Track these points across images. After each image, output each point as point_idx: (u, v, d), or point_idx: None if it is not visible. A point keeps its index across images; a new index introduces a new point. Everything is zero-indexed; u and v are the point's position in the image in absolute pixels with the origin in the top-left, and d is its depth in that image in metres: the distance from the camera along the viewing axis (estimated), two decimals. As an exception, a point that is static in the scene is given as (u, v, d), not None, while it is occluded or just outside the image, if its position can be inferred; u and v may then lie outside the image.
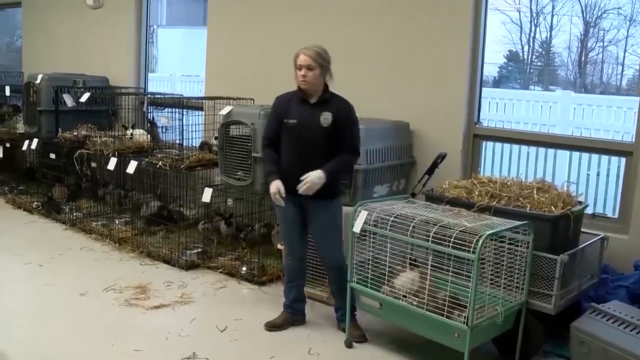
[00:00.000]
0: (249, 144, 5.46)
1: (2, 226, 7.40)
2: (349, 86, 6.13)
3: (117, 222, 7.15)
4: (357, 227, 4.16)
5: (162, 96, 7.15)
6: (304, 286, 4.86)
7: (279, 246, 5.41)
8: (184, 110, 6.22)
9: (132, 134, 7.00)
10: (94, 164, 6.83)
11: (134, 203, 7.62)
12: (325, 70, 4.35)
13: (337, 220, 4.51)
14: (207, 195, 5.77)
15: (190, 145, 6.65)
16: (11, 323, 4.66)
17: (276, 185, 4.36)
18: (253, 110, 5.61)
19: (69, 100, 7.37)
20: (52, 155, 7.48)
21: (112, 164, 6.45)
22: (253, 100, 6.47)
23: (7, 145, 8.51)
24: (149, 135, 6.99)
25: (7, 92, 8.72)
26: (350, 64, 6.06)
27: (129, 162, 6.31)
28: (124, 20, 8.48)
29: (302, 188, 4.24)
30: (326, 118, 4.33)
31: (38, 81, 7.84)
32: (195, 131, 6.74)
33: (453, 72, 5.46)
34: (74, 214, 7.45)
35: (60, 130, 7.52)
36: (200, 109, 7.09)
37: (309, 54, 4.29)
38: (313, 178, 4.23)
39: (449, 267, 3.90)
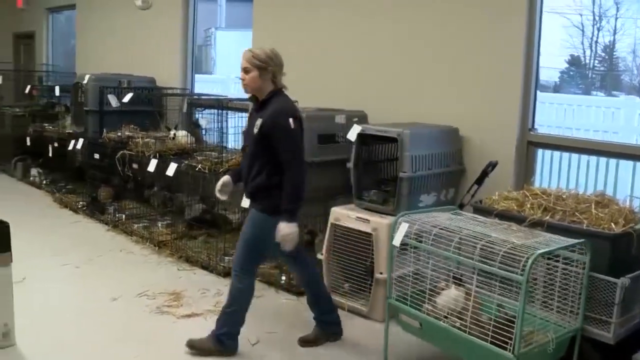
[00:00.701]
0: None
1: (46, 225, 7.38)
2: (397, 88, 5.92)
3: (159, 224, 7.03)
4: (396, 241, 3.88)
5: (202, 97, 7.00)
6: (324, 296, 4.47)
7: (319, 256, 5.17)
8: (227, 112, 6.06)
9: (174, 135, 6.86)
10: (135, 165, 6.71)
11: (177, 205, 7.52)
12: (266, 72, 3.94)
13: (252, 231, 4.09)
14: (246, 200, 5.56)
15: (233, 148, 6.49)
16: (38, 324, 4.55)
17: (221, 179, 4.32)
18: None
19: (113, 101, 7.28)
20: (96, 156, 7.41)
21: (152, 165, 6.32)
22: (297, 102, 6.23)
23: (56, 144, 8.51)
24: (191, 137, 6.85)
25: (57, 92, 8.72)
26: (399, 66, 5.80)
27: (169, 164, 6.16)
28: (172, 21, 8.39)
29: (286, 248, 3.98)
30: (257, 125, 3.95)
31: (85, 81, 7.81)
32: (239, 133, 6.58)
33: (506, 75, 5.12)
34: (117, 215, 7.37)
35: (105, 130, 7.45)
36: (246, 110, 6.92)
37: (244, 56, 4.00)
38: (283, 234, 3.91)
39: (496, 286, 3.59)
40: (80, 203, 7.95)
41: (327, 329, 4.48)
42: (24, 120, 10.06)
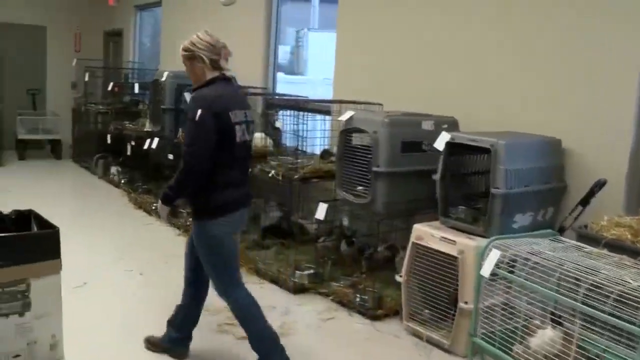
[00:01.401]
0: (370, 156, 4.77)
1: (117, 226, 7.19)
2: (492, 92, 5.30)
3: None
4: (485, 271, 3.33)
5: (280, 97, 6.60)
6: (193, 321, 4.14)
7: (398, 277, 4.66)
8: (307, 114, 5.65)
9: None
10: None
11: (254, 211, 7.15)
12: (195, 59, 3.61)
13: (201, 245, 3.73)
14: (321, 211, 5.12)
15: (312, 153, 6.08)
16: (90, 336, 4.24)
17: None
18: (376, 117, 4.91)
19: (188, 98, 6.97)
20: (170, 156, 7.14)
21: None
22: (382, 105, 5.76)
23: (133, 143, 8.34)
24: (268, 140, 6.47)
25: (136, 89, 8.55)
26: (494, 68, 5.20)
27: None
28: (255, 19, 8.04)
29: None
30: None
31: (163, 79, 7.57)
32: (321, 137, 6.16)
33: (619, 80, 4.43)
34: (190, 219, 7.06)
35: (180, 130, 7.17)
36: (327, 113, 6.49)
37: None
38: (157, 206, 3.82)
39: (604, 331, 3.00)
40: (154, 205, 7.73)
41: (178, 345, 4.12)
42: (108, 118, 10.01)
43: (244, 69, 8.11)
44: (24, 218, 4.01)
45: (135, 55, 11.95)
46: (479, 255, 3.59)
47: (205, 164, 3.45)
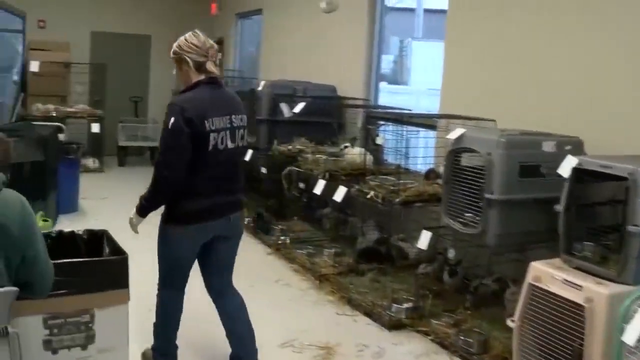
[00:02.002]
0: (482, 180, 4.19)
1: (206, 242, 6.88)
2: (624, 109, 4.57)
3: (325, 252, 6.22)
4: (630, 337, 2.69)
5: (381, 110, 6.10)
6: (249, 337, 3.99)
7: (509, 322, 4.04)
8: (411, 129, 5.13)
9: (343, 149, 6.02)
10: (302, 185, 5.96)
11: (351, 231, 6.67)
12: (182, 62, 3.46)
13: (159, 242, 3.72)
14: (424, 240, 4.57)
15: (416, 172, 5.54)
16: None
17: None
18: (490, 135, 4.32)
19: (285, 110, 6.61)
20: (263, 170, 6.77)
21: (319, 187, 5.53)
22: (495, 122, 5.15)
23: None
24: (368, 156, 5.97)
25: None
26: (624, 84, 4.48)
27: (337, 187, 5.33)
28: (358, 27, 7.57)
29: None
30: None
31: (260, 88, 7.22)
32: (425, 156, 5.62)
33: None
34: (282, 237, 6.66)
35: (275, 142, 6.80)
36: (433, 127, 5.93)
37: None
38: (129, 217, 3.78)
39: None
40: (247, 219, 7.39)
41: None
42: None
43: (345, 79, 7.69)
44: (97, 239, 3.71)
45: (236, 63, 11.75)
46: (612, 307, 2.96)
47: (179, 173, 3.35)
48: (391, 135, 5.03)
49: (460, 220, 4.40)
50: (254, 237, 6.98)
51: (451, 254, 4.70)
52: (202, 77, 3.46)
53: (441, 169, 5.22)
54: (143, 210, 3.61)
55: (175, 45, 3.48)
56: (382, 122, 5.49)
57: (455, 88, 5.97)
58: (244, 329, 3.88)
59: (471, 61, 5.79)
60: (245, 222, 7.22)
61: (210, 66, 3.46)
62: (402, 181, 4.89)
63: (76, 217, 7.49)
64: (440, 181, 4.95)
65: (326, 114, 7.12)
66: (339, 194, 5.21)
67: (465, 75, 5.84)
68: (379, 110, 6.33)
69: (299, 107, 6.08)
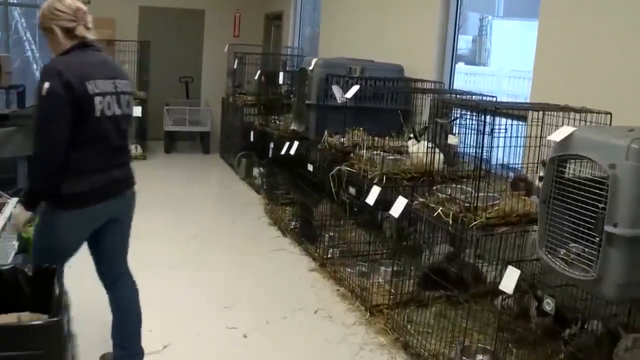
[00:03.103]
0: (600, 204, 2.84)
1: (239, 251, 5.76)
2: None
3: (381, 271, 5.00)
4: None
5: (458, 95, 4.77)
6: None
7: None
8: (493, 120, 3.80)
9: (409, 147, 4.74)
10: (352, 190, 4.72)
11: (416, 242, 5.39)
12: (50, 30, 3.04)
13: (41, 222, 3.10)
14: (510, 279, 3.26)
15: (500, 177, 4.22)
16: None
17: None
18: (614, 137, 2.95)
19: (337, 93, 5.37)
20: (310, 167, 5.56)
21: (372, 195, 4.27)
22: (610, 115, 3.77)
23: (272, 145, 6.87)
24: (439, 154, 4.67)
25: (281, 79, 7.05)
26: None
27: (396, 198, 4.06)
28: (431, 1, 6.23)
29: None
30: None
31: (311, 67, 5.99)
32: (513, 155, 4.29)
33: None
34: (331, 249, 5.46)
35: (326, 132, 5.58)
36: (522, 119, 4.57)
37: None
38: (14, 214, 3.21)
39: None
40: (293, 223, 6.22)
41: None
42: (255, 111, 8.67)
43: (414, 58, 6.39)
44: (47, 276, 2.65)
45: (295, 40, 10.55)
46: None
47: (60, 147, 2.86)
48: (470, 129, 3.71)
49: (564, 257, 3.08)
50: (297, 246, 5.82)
51: (548, 305, 3.37)
52: (74, 42, 3.05)
53: (536, 180, 3.90)
54: (28, 201, 2.97)
55: (39, 14, 3.10)
56: (457, 111, 4.15)
57: (550, 72, 4.58)
58: (133, 324, 3.41)
59: (573, 40, 4.39)
60: (292, 226, 6.10)
61: (81, 30, 3.05)
62: (481, 194, 3.56)
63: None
64: (535, 198, 3.63)
65: (390, 100, 5.85)
66: (397, 206, 3.94)
67: (565, 56, 4.44)
68: (454, 95, 4.99)
69: (352, 91, 4.82)
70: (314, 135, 5.95)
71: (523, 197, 3.77)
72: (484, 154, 3.67)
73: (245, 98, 8.97)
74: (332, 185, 4.94)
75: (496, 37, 14.67)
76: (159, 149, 10.47)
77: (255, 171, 8.22)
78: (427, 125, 4.95)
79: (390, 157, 4.63)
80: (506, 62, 12.79)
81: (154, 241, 5.80)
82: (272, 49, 11.34)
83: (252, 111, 8.84)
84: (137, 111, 9.58)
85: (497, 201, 3.53)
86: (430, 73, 6.11)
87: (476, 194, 3.47)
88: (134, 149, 9.64)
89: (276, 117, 7.61)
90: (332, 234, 5.75)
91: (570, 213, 3.03)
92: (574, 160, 3.10)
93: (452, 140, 3.73)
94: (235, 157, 9.06)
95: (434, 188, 3.82)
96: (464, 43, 10.13)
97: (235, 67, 9.26)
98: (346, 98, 4.94)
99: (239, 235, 6.18)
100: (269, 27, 11.83)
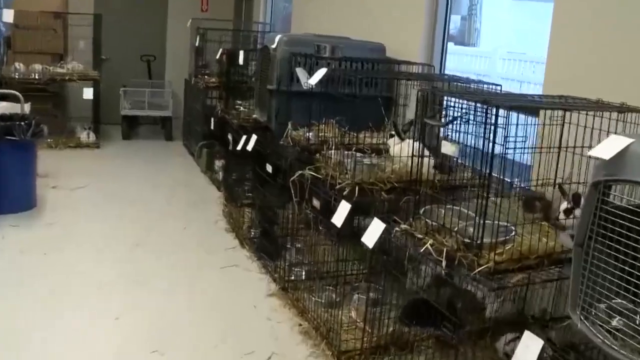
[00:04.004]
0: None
1: (193, 263, 4.79)
2: None
3: (355, 298, 4.04)
4: None
5: (452, 81, 3.75)
6: None
7: None
8: (498, 114, 2.81)
9: (390, 148, 3.75)
10: (316, 202, 3.72)
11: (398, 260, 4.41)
12: None
13: None
14: (529, 351, 2.30)
15: (508, 190, 3.24)
16: None
17: None
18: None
19: (302, 77, 4.38)
20: (269, 167, 4.56)
21: (340, 214, 3.29)
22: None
23: (230, 137, 5.85)
24: (428, 158, 3.68)
25: (240, 59, 6.01)
26: None
27: (371, 220, 3.08)
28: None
29: None
30: None
31: (274, 45, 4.97)
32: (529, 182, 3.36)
33: None
34: (295, 268, 4.48)
35: (290, 125, 4.58)
36: (533, 113, 3.60)
37: None
38: None
39: None
40: (253, 232, 5.24)
41: None
42: (219, 95, 7.65)
43: (398, 37, 5.41)
44: None
45: (267, 16, 9.49)
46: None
47: None
48: (472, 131, 2.70)
49: (604, 323, 2.12)
50: (255, 261, 4.85)
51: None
52: None
53: (561, 204, 2.91)
54: None
55: None
56: (454, 107, 3.14)
57: (570, 59, 3.58)
58: None
59: (598, 21, 3.40)
60: (251, 235, 5.13)
61: None
62: (487, 220, 2.58)
63: (23, 220, 5.47)
64: (564, 237, 2.65)
65: (370, 86, 4.83)
66: (372, 232, 2.95)
67: (588, 40, 3.44)
68: (449, 84, 3.98)
69: (317, 76, 3.81)
70: (276, 126, 4.96)
71: (542, 224, 2.80)
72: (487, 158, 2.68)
73: (208, 80, 7.93)
74: (292, 194, 3.94)
75: (486, 16, 13.75)
76: (116, 135, 9.42)
77: (217, 164, 7.21)
78: (413, 120, 3.96)
79: (366, 161, 3.63)
80: (497, 43, 11.86)
81: (85, 253, 4.83)
82: (243, 26, 10.26)
83: (216, 95, 7.82)
84: (87, 93, 8.77)
85: (511, 234, 2.54)
86: (417, 54, 5.11)
87: (481, 223, 2.49)
88: (86, 137, 8.62)
89: (241, 103, 6.58)
90: (299, 245, 4.78)
91: (618, 262, 2.09)
92: (621, 185, 2.16)
93: (447, 148, 2.74)
94: (196, 145, 8.04)
95: (422, 211, 2.83)
96: (452, 22, 9.09)
97: (197, 44, 8.20)
98: (310, 84, 3.93)
99: (189, 244, 5.20)
100: (240, 2, 10.74)
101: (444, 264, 2.49)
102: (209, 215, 5.94)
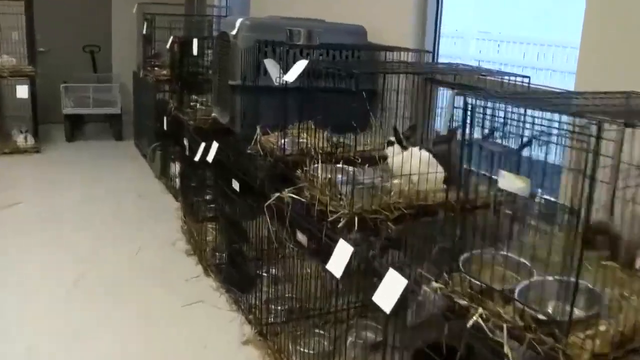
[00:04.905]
0: None
1: (147, 302, 3.92)
2: None
3: (350, 340, 3.24)
4: None
5: (452, 69, 2.94)
6: None
7: None
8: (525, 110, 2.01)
9: (390, 158, 2.92)
10: (301, 237, 2.89)
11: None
12: None
13: None
14: None
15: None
16: None
17: None
18: None
19: (273, 70, 3.54)
20: (235, 185, 3.69)
21: (338, 260, 2.46)
22: None
23: (185, 142, 4.97)
24: (436, 169, 2.88)
25: (195, 49, 5.10)
26: None
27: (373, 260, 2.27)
28: None
29: None
30: None
31: (234, 31, 4.10)
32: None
33: None
34: (273, 305, 3.65)
35: (259, 129, 3.73)
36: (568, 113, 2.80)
37: None
38: None
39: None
40: (218, 255, 4.39)
41: None
42: (172, 89, 6.72)
43: (381, 18, 4.60)
44: None
45: (223, -2, 8.57)
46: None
47: None
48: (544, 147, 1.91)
49: None
50: (223, 294, 4.02)
51: None
52: None
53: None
54: None
55: None
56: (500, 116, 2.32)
57: (609, 45, 2.80)
58: None
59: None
60: (215, 262, 4.29)
61: None
62: (549, 278, 1.78)
63: None
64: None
65: (349, 78, 3.98)
66: (388, 290, 2.13)
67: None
68: (456, 69, 3.16)
69: (296, 70, 2.95)
70: (241, 129, 4.11)
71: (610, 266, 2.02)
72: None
73: (159, 72, 7.01)
74: (269, 224, 3.10)
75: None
76: (59, 136, 8.43)
77: (173, 168, 6.32)
78: (414, 124, 3.15)
79: (365, 179, 2.80)
80: (469, 23, 11.04)
81: (10, 299, 3.93)
82: (195, 10, 9.30)
83: (169, 89, 6.89)
84: (22, 91, 7.76)
85: (600, 303, 1.75)
86: (406, 38, 4.29)
87: (572, 296, 1.68)
88: (23, 140, 7.64)
89: (197, 99, 5.68)
90: (275, 271, 3.95)
91: None
92: None
93: (512, 183, 1.88)
94: (149, 146, 7.13)
95: (461, 260, 2.01)
96: None
97: (144, 32, 7.26)
98: (285, 81, 3.08)
99: (142, 276, 4.33)
100: (192, -17, 9.76)
101: (506, 350, 1.69)
102: (166, 234, 5.07)
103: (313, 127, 3.66)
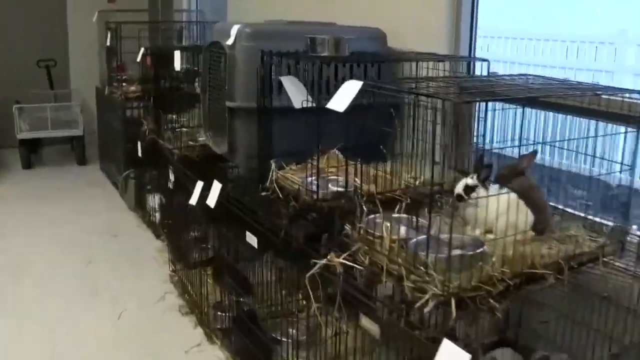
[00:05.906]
0: None
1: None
2: None
3: None
4: None
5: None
6: None
7: None
8: None
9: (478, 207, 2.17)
10: (369, 323, 2.11)
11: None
12: None
13: None
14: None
15: None
16: None
17: None
18: None
19: (295, 92, 2.77)
20: (249, 237, 2.90)
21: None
22: None
23: (172, 178, 4.15)
24: (523, 213, 2.15)
25: (177, 63, 4.26)
26: None
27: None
28: None
29: None
30: None
31: (230, 41, 3.30)
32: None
33: None
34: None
35: (273, 164, 2.95)
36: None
37: None
38: None
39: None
40: (220, 315, 3.59)
41: None
42: (142, 106, 5.88)
43: (405, 20, 3.87)
44: None
45: (191, 2, 7.74)
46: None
47: None
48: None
49: None
50: (228, 352, 3.23)
51: None
52: None
53: None
54: None
55: None
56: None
57: None
58: None
59: None
60: (218, 325, 3.50)
61: None
62: None
63: None
64: None
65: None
66: None
67: None
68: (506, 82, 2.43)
69: (347, 94, 2.14)
70: (246, 160, 3.34)
71: None
72: None
73: (127, 88, 6.17)
74: (311, 300, 2.32)
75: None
76: (14, 162, 7.51)
77: (151, 200, 5.48)
78: (488, 161, 2.40)
79: (467, 246, 2.04)
80: (496, 25, 10.22)
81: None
82: (161, 16, 8.45)
83: (139, 106, 6.03)
84: None
85: None
86: (435, 41, 3.56)
87: None
88: (-28, 171, 6.71)
89: (176, 118, 4.86)
90: (296, 332, 3.16)
91: None
92: None
93: None
94: (119, 173, 6.27)
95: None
96: None
97: (108, 43, 6.40)
98: (336, 109, 2.28)
99: (129, 348, 3.51)
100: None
101: None
102: (152, 286, 4.25)
103: (338, 156, 2.95)
